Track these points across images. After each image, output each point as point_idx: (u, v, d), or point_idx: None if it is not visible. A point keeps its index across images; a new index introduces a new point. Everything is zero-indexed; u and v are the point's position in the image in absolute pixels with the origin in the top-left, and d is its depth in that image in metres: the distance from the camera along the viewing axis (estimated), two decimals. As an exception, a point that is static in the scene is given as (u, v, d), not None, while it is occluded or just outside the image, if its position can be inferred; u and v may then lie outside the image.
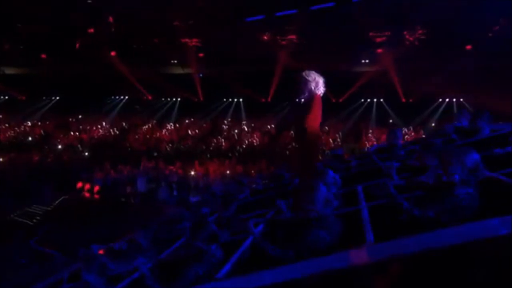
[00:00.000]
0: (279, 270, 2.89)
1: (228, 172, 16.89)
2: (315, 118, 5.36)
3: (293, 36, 19.11)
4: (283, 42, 19.31)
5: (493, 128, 5.69)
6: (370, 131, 19.89)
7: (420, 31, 17.62)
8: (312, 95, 5.34)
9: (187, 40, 20.07)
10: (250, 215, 4.91)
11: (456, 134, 6.00)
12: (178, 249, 4.52)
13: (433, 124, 19.29)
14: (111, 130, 22.36)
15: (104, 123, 22.93)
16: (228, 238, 4.22)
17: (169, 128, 22.20)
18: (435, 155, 3.48)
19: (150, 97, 23.99)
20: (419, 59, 17.90)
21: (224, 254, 3.59)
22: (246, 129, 21.39)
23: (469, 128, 6.02)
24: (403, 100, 20.11)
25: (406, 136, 19.21)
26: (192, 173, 16.97)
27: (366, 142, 19.31)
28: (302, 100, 5.43)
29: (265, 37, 19.51)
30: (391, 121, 20.50)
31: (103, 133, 22.26)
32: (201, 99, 22.78)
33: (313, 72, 5.44)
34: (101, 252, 4.65)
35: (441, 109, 19.51)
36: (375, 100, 20.86)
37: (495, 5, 15.81)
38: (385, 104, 20.60)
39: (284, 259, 2.97)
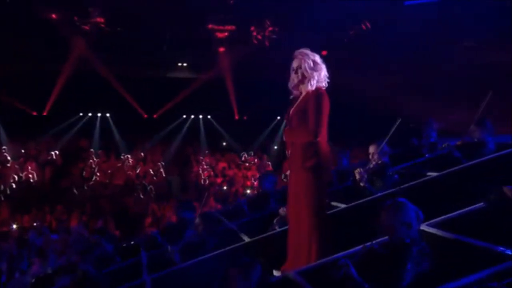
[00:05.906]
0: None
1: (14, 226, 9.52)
2: (325, 123, 3.72)
3: (101, 19, 12.71)
4: (85, 27, 12.68)
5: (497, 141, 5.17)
6: (201, 157, 15.06)
7: (270, 28, 14.08)
8: (319, 86, 3.76)
9: None
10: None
11: (459, 152, 5.20)
12: None
13: (275, 147, 15.90)
14: None
15: None
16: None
17: None
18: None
19: None
20: (264, 64, 14.37)
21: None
22: (9, 158, 13.38)
23: (472, 142, 5.32)
24: (237, 117, 16.05)
25: (247, 164, 15.27)
26: None
27: (201, 172, 14.41)
28: (304, 93, 3.78)
29: (54, 16, 12.44)
30: (224, 143, 16.14)
31: None
32: None
33: None
34: None
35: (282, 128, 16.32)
36: (201, 116, 16.18)
37: (351, 8, 13.88)
38: (214, 122, 16.06)
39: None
